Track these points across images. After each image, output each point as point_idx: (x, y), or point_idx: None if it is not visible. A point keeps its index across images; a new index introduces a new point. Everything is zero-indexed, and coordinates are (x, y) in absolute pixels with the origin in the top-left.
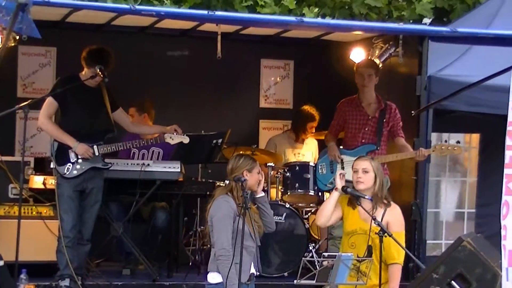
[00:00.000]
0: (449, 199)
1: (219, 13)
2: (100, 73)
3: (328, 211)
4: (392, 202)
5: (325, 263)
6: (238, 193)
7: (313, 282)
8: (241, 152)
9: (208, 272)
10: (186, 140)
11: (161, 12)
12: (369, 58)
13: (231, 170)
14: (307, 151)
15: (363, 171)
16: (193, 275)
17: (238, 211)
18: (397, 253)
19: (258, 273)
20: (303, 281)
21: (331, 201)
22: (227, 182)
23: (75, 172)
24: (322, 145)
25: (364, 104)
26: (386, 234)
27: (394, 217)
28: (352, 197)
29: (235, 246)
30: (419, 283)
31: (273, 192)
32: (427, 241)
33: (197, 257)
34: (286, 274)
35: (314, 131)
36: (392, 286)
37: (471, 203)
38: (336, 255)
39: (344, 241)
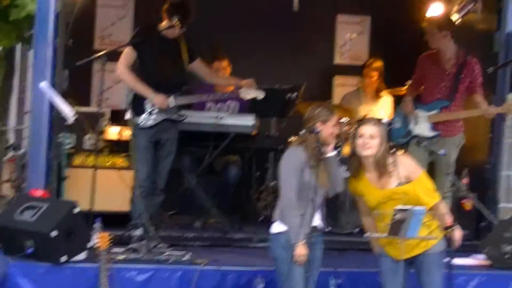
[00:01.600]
0: None
1: None
2: (178, 23)
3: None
4: (396, 155)
5: (397, 216)
6: (311, 144)
7: (384, 235)
8: None
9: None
10: (261, 95)
11: None
12: (445, 14)
13: (307, 119)
14: (380, 108)
15: (370, 137)
16: (263, 229)
17: (308, 163)
18: (428, 196)
19: (325, 229)
20: (373, 235)
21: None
22: (302, 132)
23: (150, 122)
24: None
25: (443, 59)
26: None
27: (407, 166)
28: (355, 167)
29: (302, 199)
30: (491, 241)
31: (346, 147)
32: (500, 206)
33: (268, 212)
34: (356, 230)
35: (374, 77)
36: (447, 218)
37: None
38: (408, 208)
39: (375, 215)
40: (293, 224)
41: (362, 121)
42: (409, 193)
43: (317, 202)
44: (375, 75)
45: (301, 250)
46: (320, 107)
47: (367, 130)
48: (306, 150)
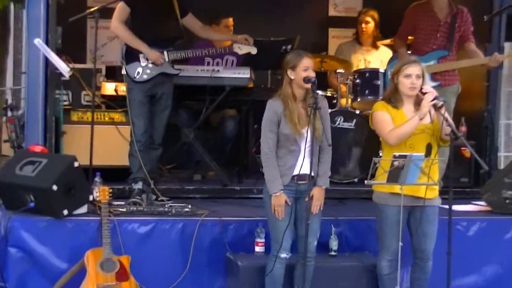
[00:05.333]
0: None
1: None
2: None
3: (406, 136)
4: None
5: (396, 163)
6: (287, 93)
7: (384, 182)
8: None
9: None
10: (254, 51)
11: None
12: None
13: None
14: (376, 58)
15: (417, 77)
16: (262, 181)
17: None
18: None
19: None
20: (373, 182)
21: (411, 127)
22: None
23: (145, 76)
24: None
25: (436, 9)
26: (456, 135)
27: None
28: (394, 99)
29: (282, 149)
30: (491, 187)
31: (342, 99)
32: (500, 154)
33: None
34: (356, 180)
35: (370, 23)
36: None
37: None
38: (407, 155)
39: (400, 144)
40: (268, 175)
41: (408, 61)
42: (436, 131)
43: (303, 151)
44: (371, 21)
45: (276, 201)
46: (290, 54)
47: (414, 70)
48: (283, 100)
